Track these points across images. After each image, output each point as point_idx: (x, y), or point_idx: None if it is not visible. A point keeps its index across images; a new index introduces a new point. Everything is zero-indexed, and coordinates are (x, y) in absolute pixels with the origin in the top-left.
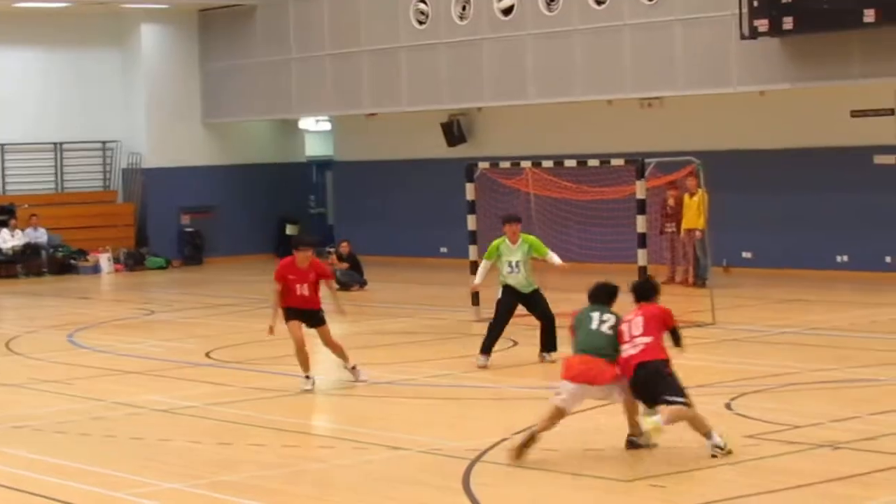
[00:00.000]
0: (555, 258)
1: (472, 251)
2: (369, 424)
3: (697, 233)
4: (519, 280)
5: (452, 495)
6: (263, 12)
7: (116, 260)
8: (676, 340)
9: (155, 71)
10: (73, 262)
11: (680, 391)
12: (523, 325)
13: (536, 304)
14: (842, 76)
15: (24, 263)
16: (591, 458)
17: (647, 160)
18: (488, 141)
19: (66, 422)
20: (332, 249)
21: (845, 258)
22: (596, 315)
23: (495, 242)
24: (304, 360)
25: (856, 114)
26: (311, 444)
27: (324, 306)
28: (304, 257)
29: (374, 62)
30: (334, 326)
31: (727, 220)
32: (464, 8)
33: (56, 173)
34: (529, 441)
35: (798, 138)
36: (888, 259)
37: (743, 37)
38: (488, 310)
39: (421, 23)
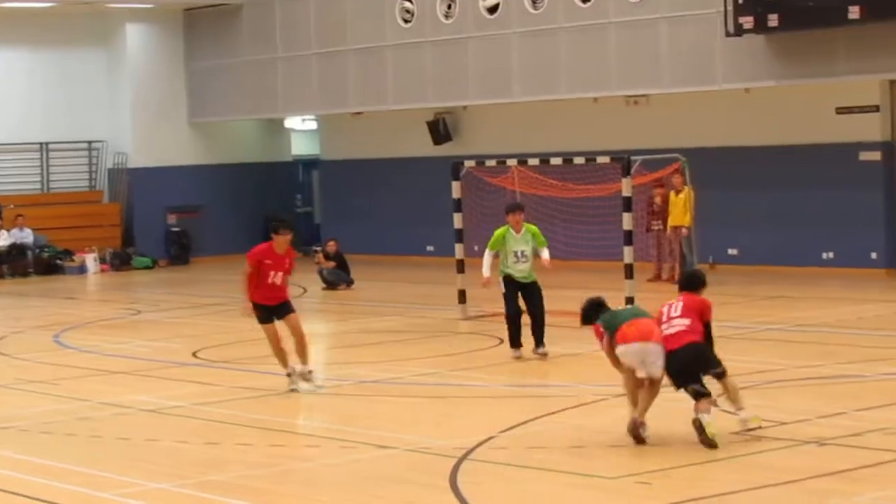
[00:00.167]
0: (546, 253)
1: (459, 249)
2: (356, 423)
3: (684, 230)
4: (523, 270)
5: (440, 494)
6: (249, 11)
7: (103, 260)
8: (708, 337)
9: (140, 70)
10: (59, 262)
11: (719, 361)
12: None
13: (532, 295)
14: (827, 73)
15: (9, 264)
16: (578, 455)
17: (632, 158)
18: (474, 139)
19: (53, 422)
20: (318, 248)
21: (831, 255)
22: (618, 308)
23: (499, 232)
24: (282, 358)
25: (841, 111)
26: (299, 444)
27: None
28: (283, 241)
29: (360, 61)
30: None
31: (713, 217)
32: (449, 6)
33: (42, 173)
34: (637, 428)
35: (783, 135)
36: (874, 255)
37: (728, 34)
38: (475, 308)
39: (406, 21)
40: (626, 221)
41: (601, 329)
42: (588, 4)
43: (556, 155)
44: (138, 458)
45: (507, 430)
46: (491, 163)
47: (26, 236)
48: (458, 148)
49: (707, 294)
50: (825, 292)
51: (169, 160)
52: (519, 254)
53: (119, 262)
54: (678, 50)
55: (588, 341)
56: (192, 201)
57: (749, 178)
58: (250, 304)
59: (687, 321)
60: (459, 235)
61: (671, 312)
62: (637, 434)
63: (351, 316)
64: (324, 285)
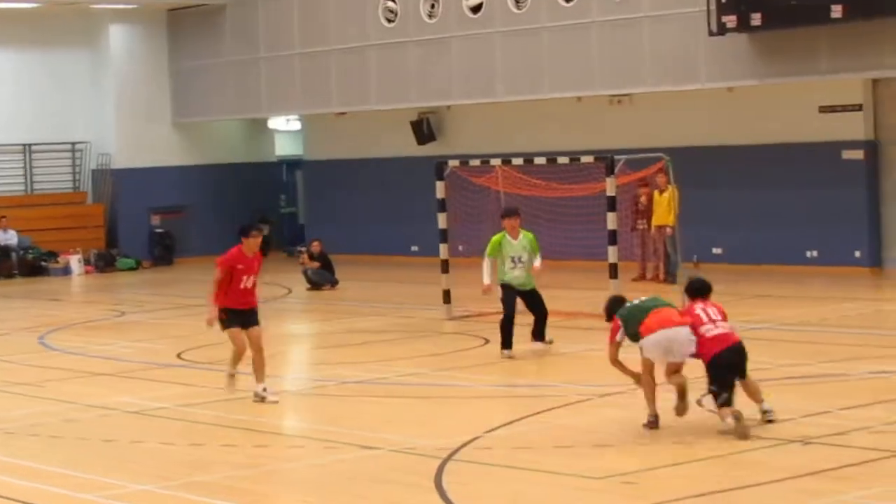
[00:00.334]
0: (537, 260)
1: (443, 249)
2: (340, 424)
3: (668, 229)
4: (520, 276)
5: (424, 494)
6: (232, 12)
7: (87, 261)
8: None
9: (124, 71)
10: (43, 263)
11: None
12: (494, 323)
13: (535, 300)
14: (810, 72)
15: None
16: (563, 455)
17: (616, 157)
18: (458, 139)
19: (38, 424)
20: (303, 249)
21: (815, 253)
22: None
23: (496, 238)
24: (238, 360)
25: (824, 109)
26: (283, 444)
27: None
28: (254, 243)
29: (344, 61)
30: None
31: (697, 216)
32: (432, 6)
33: (25, 175)
34: (682, 406)
35: (767, 134)
36: (857, 254)
37: (711, 33)
38: (459, 308)
39: (390, 21)
40: (611, 221)
41: (618, 323)
42: (571, 4)
43: (540, 154)
44: (123, 459)
45: (493, 430)
46: (475, 162)
47: (10, 238)
48: (441, 148)
49: None
50: (809, 291)
51: (153, 161)
52: (516, 259)
53: (103, 263)
54: (661, 49)
55: (575, 341)
56: (176, 202)
57: (733, 177)
58: (216, 312)
59: (728, 323)
60: (444, 235)
61: (711, 316)
62: (682, 410)
63: (335, 316)
64: (308, 286)
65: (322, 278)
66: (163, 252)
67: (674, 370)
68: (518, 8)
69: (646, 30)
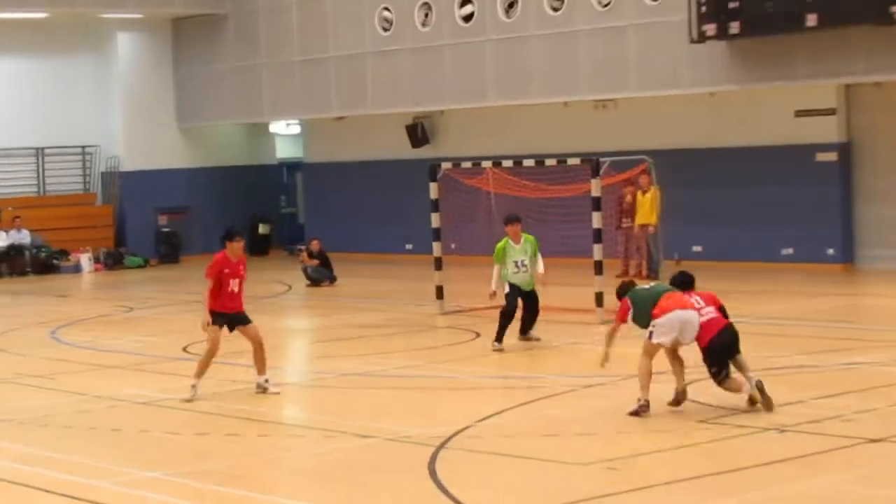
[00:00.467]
0: (539, 265)
1: (436, 247)
2: (339, 414)
3: (650, 228)
4: (524, 279)
5: (419, 481)
6: (235, 20)
7: (96, 259)
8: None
9: (131, 78)
10: (55, 261)
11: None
12: (485, 318)
13: (532, 301)
14: (786, 77)
15: (8, 263)
16: (549, 443)
17: (601, 159)
18: (451, 142)
19: (51, 415)
20: (303, 247)
21: (790, 251)
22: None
23: (500, 245)
24: (206, 367)
25: (800, 113)
26: (284, 434)
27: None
28: (238, 247)
29: (342, 67)
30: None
31: (678, 216)
32: (426, 15)
33: (38, 177)
34: (681, 398)
35: (745, 137)
36: (830, 251)
37: (692, 41)
38: (453, 304)
39: (385, 29)
40: (596, 220)
41: (628, 303)
42: (558, 13)
43: (529, 157)
44: (132, 448)
45: (483, 419)
46: (467, 165)
47: (24, 237)
48: (435, 150)
49: None
50: (785, 286)
51: (159, 163)
52: (519, 263)
53: (112, 261)
54: (644, 56)
55: (562, 335)
56: (182, 203)
57: (713, 178)
58: (210, 320)
59: (713, 308)
60: (437, 234)
61: (699, 302)
62: (680, 401)
63: (334, 311)
64: (308, 282)
65: (321, 275)
66: (169, 250)
67: (673, 355)
68: (508, 17)
69: (630, 38)
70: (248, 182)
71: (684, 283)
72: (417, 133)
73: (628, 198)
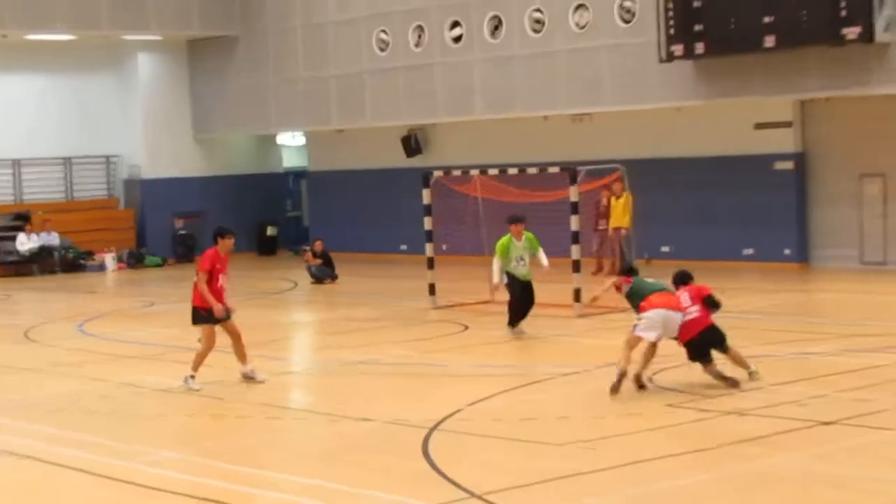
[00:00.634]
0: (543, 258)
1: (429, 248)
2: (341, 399)
3: (623, 230)
4: (524, 271)
5: (414, 461)
6: (245, 41)
7: (119, 259)
8: (714, 305)
9: (151, 94)
10: (81, 261)
11: (724, 338)
12: (473, 312)
13: (527, 293)
14: (746, 93)
15: (38, 263)
16: (532, 425)
17: (578, 168)
18: (442, 152)
19: (78, 401)
20: (307, 248)
21: (751, 251)
22: (648, 280)
23: (503, 241)
24: (201, 361)
25: (758, 126)
26: (291, 417)
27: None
28: (229, 244)
29: (342, 84)
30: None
31: (649, 218)
32: (419, 36)
33: (66, 184)
34: (637, 380)
35: (709, 147)
36: (787, 251)
37: (661, 60)
38: (444, 299)
39: (382, 50)
40: (574, 223)
41: (630, 281)
42: (539, 35)
43: (513, 166)
44: (152, 430)
45: (472, 404)
46: (456, 172)
47: (53, 239)
48: (427, 160)
49: None
50: (746, 283)
51: (176, 171)
52: (519, 259)
53: (133, 260)
54: (617, 74)
55: (544, 328)
56: (197, 207)
57: (680, 185)
58: (220, 307)
59: (697, 307)
60: (429, 236)
61: (685, 303)
62: (641, 383)
63: (335, 306)
64: (312, 280)
65: (324, 273)
66: (185, 251)
67: (650, 350)
68: (494, 38)
69: (604, 57)
70: (257, 188)
71: (682, 279)
72: (411, 144)
73: (604, 200)
